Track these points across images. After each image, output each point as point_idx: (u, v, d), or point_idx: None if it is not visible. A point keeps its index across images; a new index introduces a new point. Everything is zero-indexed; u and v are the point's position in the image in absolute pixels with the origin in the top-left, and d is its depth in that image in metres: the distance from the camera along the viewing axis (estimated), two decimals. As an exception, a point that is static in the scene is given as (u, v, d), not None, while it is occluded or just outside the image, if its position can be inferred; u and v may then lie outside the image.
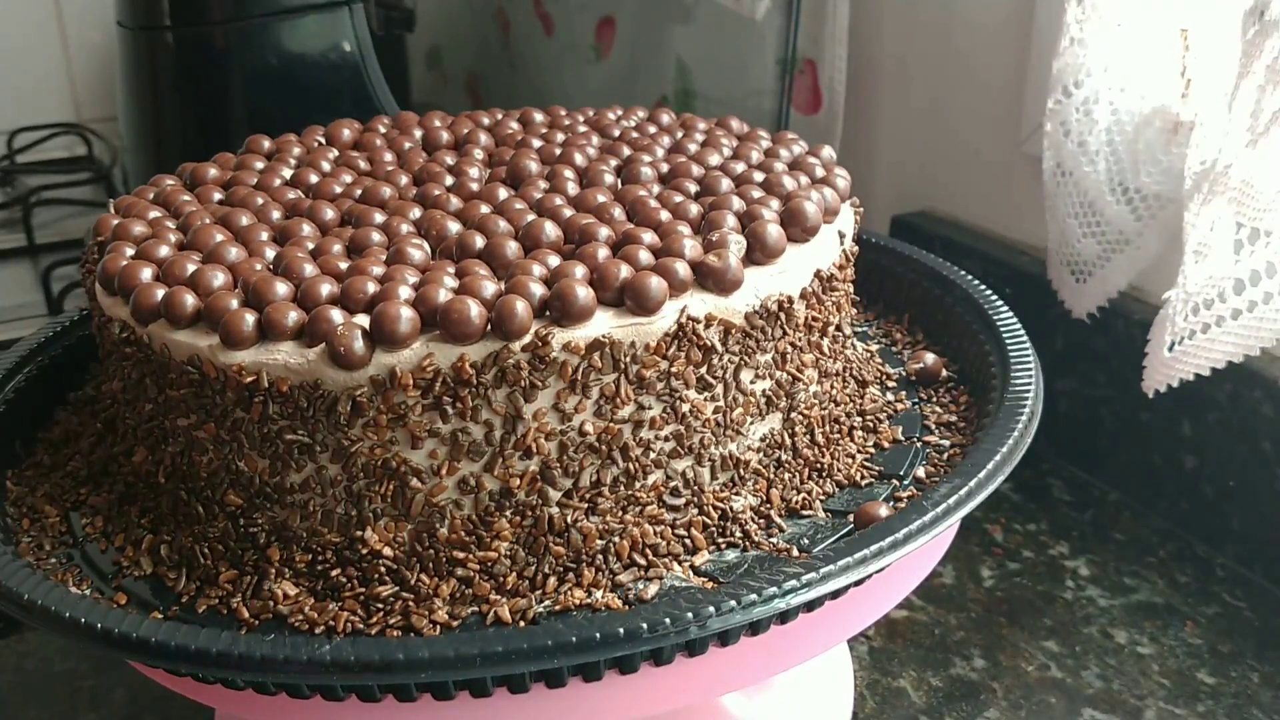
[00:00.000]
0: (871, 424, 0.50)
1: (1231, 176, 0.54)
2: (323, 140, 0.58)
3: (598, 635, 0.35)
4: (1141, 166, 0.65)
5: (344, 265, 0.43)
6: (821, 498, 0.45)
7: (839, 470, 0.47)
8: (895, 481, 0.46)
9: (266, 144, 0.58)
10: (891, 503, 0.45)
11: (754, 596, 0.36)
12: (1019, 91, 0.76)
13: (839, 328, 0.50)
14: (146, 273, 0.43)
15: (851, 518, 0.44)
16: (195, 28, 0.87)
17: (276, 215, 0.49)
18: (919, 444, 0.49)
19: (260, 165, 0.55)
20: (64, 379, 0.55)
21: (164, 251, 0.45)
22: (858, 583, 0.39)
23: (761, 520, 0.43)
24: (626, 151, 0.53)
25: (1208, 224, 0.56)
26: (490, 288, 0.40)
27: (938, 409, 0.52)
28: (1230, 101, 0.55)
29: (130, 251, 0.45)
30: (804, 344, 0.46)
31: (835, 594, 0.39)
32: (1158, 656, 0.59)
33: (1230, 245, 0.55)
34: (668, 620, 0.35)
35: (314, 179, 0.52)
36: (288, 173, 0.54)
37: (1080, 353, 0.73)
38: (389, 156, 0.55)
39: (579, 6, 1.17)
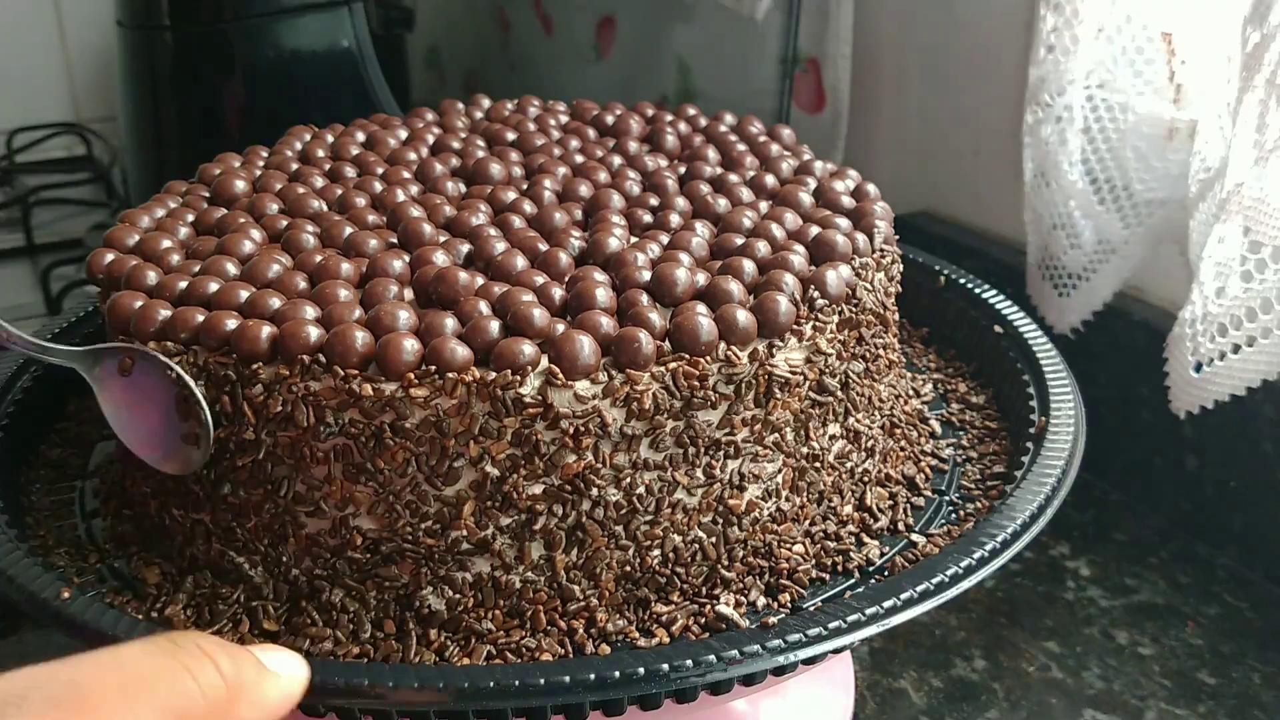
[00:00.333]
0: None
1: (1244, 195, 0.53)
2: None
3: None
4: (1133, 173, 0.65)
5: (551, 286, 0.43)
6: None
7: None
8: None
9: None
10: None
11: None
12: (1020, 92, 0.76)
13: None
14: (312, 331, 0.40)
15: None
16: (195, 27, 0.87)
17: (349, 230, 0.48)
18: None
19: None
20: (67, 380, 0.55)
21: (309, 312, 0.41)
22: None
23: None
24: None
25: (1218, 241, 0.55)
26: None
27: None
28: (1233, 116, 0.54)
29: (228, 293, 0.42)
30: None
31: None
32: (1159, 657, 0.59)
33: (1250, 264, 0.54)
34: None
35: (377, 188, 0.52)
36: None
37: (1081, 353, 0.73)
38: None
39: (579, 6, 1.16)
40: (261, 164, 0.56)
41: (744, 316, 0.40)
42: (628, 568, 0.41)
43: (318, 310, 0.41)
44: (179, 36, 0.87)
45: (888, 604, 0.38)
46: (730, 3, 0.90)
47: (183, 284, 0.43)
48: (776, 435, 0.42)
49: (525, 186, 0.52)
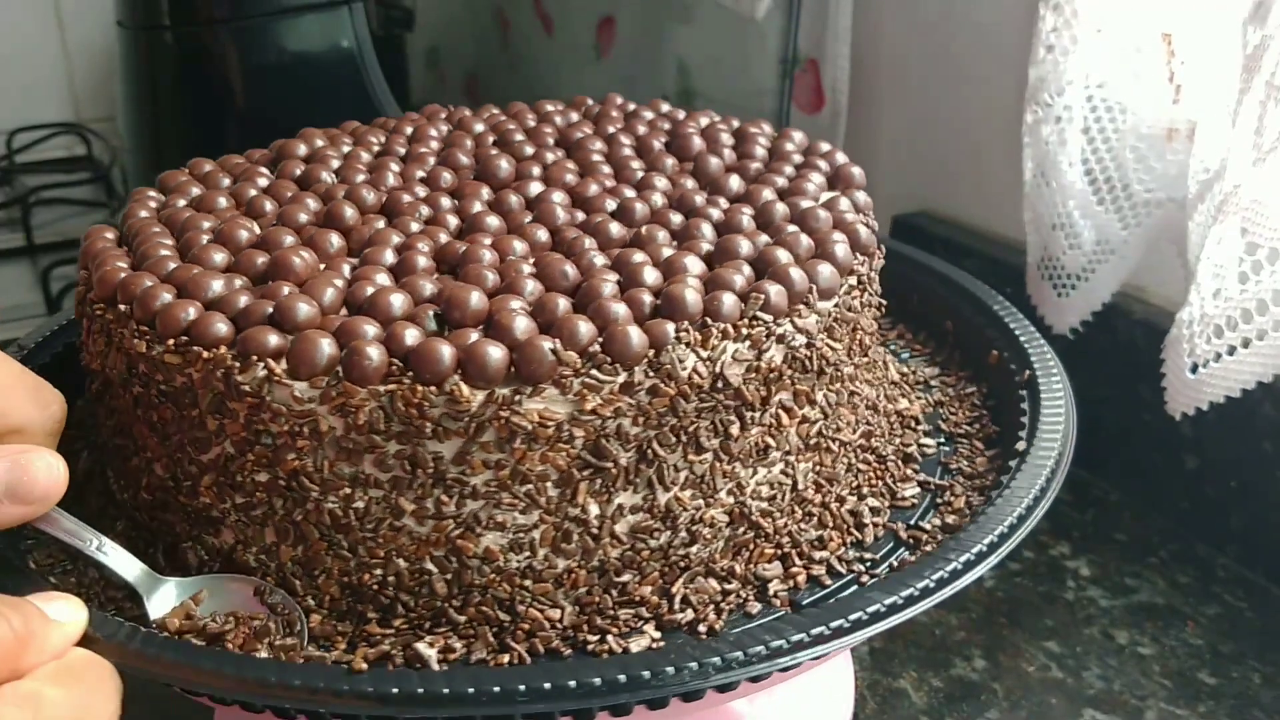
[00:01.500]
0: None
1: (1241, 196, 0.53)
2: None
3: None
4: (1132, 174, 0.65)
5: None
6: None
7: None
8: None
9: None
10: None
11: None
12: (1020, 91, 0.76)
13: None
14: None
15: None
16: (195, 27, 0.87)
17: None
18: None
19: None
20: (65, 380, 0.55)
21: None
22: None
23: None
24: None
25: (1216, 242, 0.55)
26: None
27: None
28: (1234, 117, 0.54)
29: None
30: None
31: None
32: (1159, 657, 0.59)
33: (1247, 265, 0.54)
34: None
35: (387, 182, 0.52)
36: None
37: (1081, 353, 0.72)
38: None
39: (579, 6, 1.17)
40: (322, 143, 0.57)
41: (494, 353, 0.37)
42: (347, 578, 0.40)
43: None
44: (179, 36, 0.87)
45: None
46: (730, 3, 0.90)
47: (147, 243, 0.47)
48: (530, 488, 0.39)
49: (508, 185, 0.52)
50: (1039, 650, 0.60)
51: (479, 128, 0.58)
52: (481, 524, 0.39)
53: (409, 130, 0.59)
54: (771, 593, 0.42)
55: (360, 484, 0.38)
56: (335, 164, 0.54)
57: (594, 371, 0.38)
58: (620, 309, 0.40)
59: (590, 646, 0.39)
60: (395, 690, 0.34)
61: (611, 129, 0.57)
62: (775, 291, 0.41)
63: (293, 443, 0.38)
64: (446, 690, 0.34)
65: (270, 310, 0.40)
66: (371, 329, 0.39)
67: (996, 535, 0.41)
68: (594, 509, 0.40)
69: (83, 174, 1.19)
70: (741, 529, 0.43)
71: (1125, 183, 0.65)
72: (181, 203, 0.51)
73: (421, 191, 0.52)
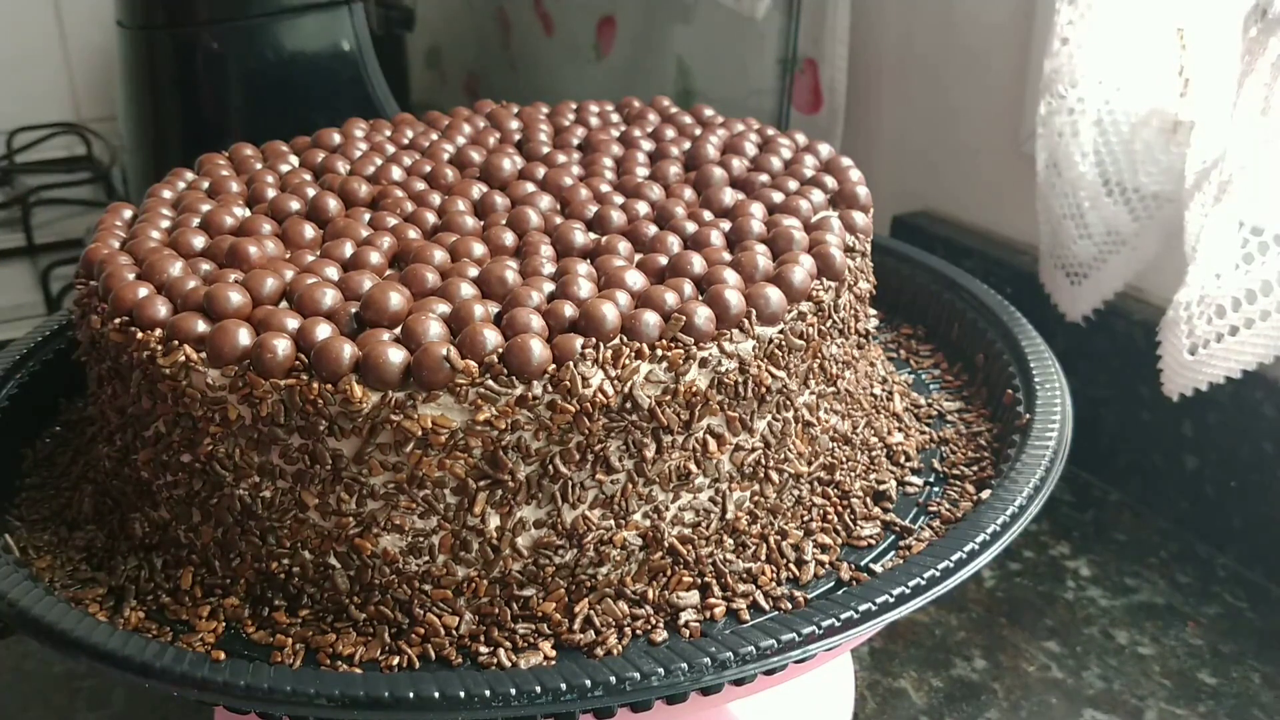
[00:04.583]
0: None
1: (1247, 178, 0.53)
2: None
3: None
4: (1140, 166, 0.65)
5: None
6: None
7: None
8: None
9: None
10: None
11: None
12: (1019, 91, 0.76)
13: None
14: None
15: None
16: (195, 28, 0.87)
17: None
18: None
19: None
20: (61, 382, 0.55)
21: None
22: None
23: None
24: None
25: (1217, 225, 0.55)
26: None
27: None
28: (1234, 101, 0.54)
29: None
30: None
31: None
32: (1159, 657, 0.59)
33: (1253, 245, 0.55)
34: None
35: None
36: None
37: (1081, 353, 0.73)
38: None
39: (579, 6, 1.16)
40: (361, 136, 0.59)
41: (391, 355, 0.37)
42: (259, 564, 0.40)
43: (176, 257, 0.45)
44: (179, 36, 0.87)
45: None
46: (730, 3, 0.90)
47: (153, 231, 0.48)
48: (428, 493, 0.38)
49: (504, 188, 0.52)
50: (1039, 650, 0.60)
51: (513, 125, 0.59)
52: (380, 525, 0.39)
53: (445, 124, 0.60)
54: (683, 622, 0.40)
55: (268, 474, 0.39)
56: (357, 154, 0.55)
57: (489, 382, 0.37)
58: (534, 320, 0.39)
59: (481, 658, 0.38)
60: (242, 684, 0.35)
61: (638, 132, 0.57)
62: (702, 314, 0.40)
63: (207, 428, 0.39)
64: (289, 688, 0.35)
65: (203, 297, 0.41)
66: (293, 323, 0.39)
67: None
68: (494, 520, 0.39)
69: (83, 174, 1.19)
70: (657, 554, 0.41)
71: (1133, 176, 0.66)
72: (205, 185, 0.53)
73: (421, 187, 0.52)
